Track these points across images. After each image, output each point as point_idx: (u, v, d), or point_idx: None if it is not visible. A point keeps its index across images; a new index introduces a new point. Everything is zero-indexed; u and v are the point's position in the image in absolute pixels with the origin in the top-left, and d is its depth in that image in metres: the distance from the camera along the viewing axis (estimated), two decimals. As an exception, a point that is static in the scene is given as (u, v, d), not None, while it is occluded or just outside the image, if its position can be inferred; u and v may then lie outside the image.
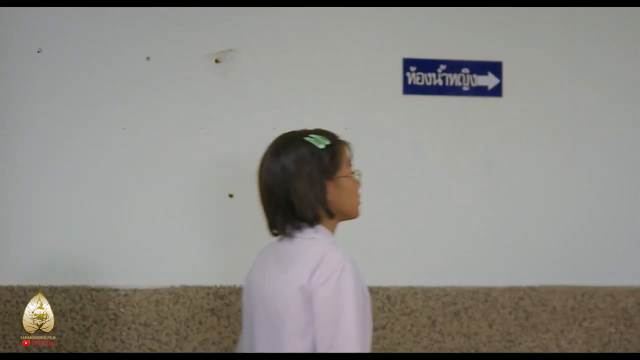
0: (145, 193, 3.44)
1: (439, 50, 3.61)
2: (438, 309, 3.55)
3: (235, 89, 3.49)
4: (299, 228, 2.47)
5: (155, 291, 3.40)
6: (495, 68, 3.62)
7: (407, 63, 3.58)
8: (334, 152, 2.46)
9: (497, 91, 3.63)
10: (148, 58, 3.45)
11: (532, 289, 3.62)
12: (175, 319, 3.41)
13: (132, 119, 3.44)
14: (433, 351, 3.54)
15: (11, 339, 3.34)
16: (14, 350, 3.31)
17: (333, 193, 2.45)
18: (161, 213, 3.43)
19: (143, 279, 3.40)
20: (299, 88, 3.53)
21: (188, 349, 3.40)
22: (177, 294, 3.41)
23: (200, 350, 3.40)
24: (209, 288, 3.43)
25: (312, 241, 2.44)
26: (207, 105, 3.49)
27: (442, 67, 3.60)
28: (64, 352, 3.31)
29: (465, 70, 3.61)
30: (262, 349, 2.45)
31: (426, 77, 3.59)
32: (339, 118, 3.44)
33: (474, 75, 3.61)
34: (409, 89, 3.58)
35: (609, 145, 3.73)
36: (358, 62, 3.56)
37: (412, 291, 3.53)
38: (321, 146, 2.45)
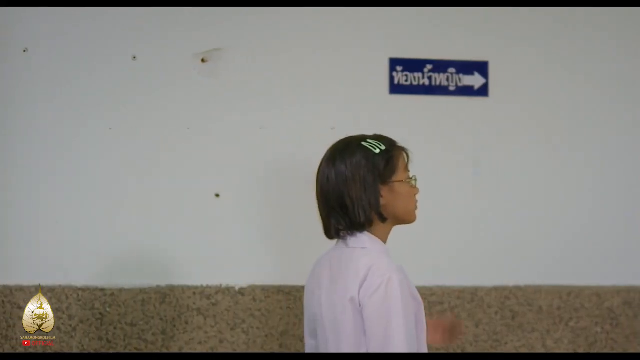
0: (131, 193, 3.43)
1: (425, 50, 3.62)
2: (424, 309, 3.55)
3: (222, 88, 3.49)
4: (352, 233, 2.49)
5: (142, 291, 3.40)
6: (481, 68, 3.63)
7: (394, 63, 3.59)
8: (389, 157, 2.49)
9: (483, 91, 3.63)
10: (134, 57, 3.44)
11: (518, 288, 3.63)
12: (161, 319, 3.40)
13: (117, 118, 3.43)
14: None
15: (-3, 339, 3.34)
16: None
17: (387, 197, 2.48)
18: (146, 212, 3.43)
19: (129, 278, 3.40)
20: (285, 88, 3.53)
21: (174, 348, 3.40)
22: (164, 294, 3.41)
23: (186, 350, 3.40)
24: (195, 288, 3.43)
25: (362, 251, 2.46)
26: (194, 105, 3.48)
27: (429, 67, 3.60)
28: (49, 352, 3.30)
29: (452, 70, 3.61)
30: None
31: (412, 77, 3.59)
32: (326, 118, 3.45)
33: (461, 75, 3.62)
34: (396, 88, 3.59)
35: (595, 144, 3.74)
36: (344, 61, 3.57)
37: (399, 291, 3.53)
38: (377, 151, 2.47)
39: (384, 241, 2.53)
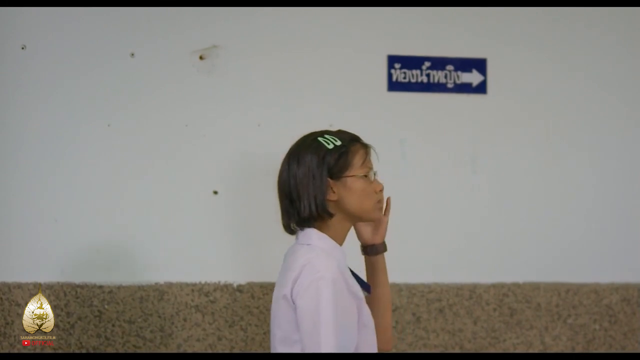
0: (128, 190, 3.43)
1: (423, 47, 3.62)
2: (423, 306, 3.56)
3: (220, 85, 3.49)
4: (302, 229, 2.49)
5: (140, 288, 3.40)
6: (479, 65, 3.63)
7: (392, 60, 3.59)
8: (343, 152, 2.45)
9: (481, 88, 3.64)
10: (132, 54, 3.44)
11: (516, 285, 3.63)
12: (159, 316, 3.40)
13: (116, 115, 3.43)
14: (418, 348, 3.54)
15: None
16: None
17: (340, 193, 2.45)
18: (144, 210, 3.43)
19: (127, 276, 3.40)
20: (284, 85, 3.53)
21: (172, 345, 3.40)
22: (162, 291, 3.41)
23: (185, 347, 3.40)
24: (194, 285, 3.43)
25: (306, 248, 2.45)
26: (192, 102, 3.48)
27: (427, 64, 3.61)
28: (49, 352, 3.30)
29: (450, 67, 3.61)
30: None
31: (411, 74, 3.60)
32: (324, 115, 3.44)
33: (459, 72, 3.62)
34: (394, 85, 3.59)
35: (594, 141, 3.74)
36: (343, 59, 3.57)
37: (397, 288, 3.53)
38: (330, 146, 2.45)
39: (341, 238, 2.51)
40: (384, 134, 3.57)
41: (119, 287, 3.39)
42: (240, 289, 3.44)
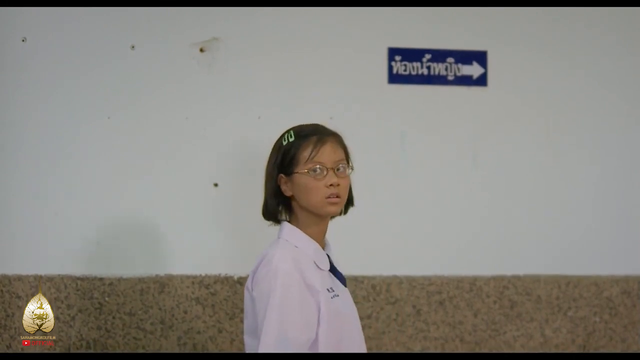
0: (129, 182, 3.43)
1: (424, 40, 3.62)
2: (423, 298, 3.56)
3: (220, 78, 3.49)
4: (279, 222, 2.54)
5: (140, 280, 3.40)
6: (480, 57, 3.63)
7: (392, 52, 3.58)
8: (290, 148, 2.46)
9: (482, 80, 3.63)
10: (133, 47, 3.44)
11: (517, 278, 3.63)
12: (160, 308, 3.41)
13: (116, 108, 3.43)
14: (418, 340, 3.55)
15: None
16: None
17: (292, 189, 2.47)
18: (145, 202, 3.43)
19: (128, 268, 3.40)
20: (284, 77, 3.53)
21: (173, 337, 3.40)
22: (162, 283, 3.41)
23: (184, 340, 3.40)
24: (194, 277, 3.43)
25: (274, 241, 2.50)
26: (193, 94, 3.48)
27: (427, 56, 3.60)
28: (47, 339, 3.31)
29: (450, 59, 3.61)
30: None
31: (411, 66, 3.59)
32: (324, 107, 3.45)
33: (459, 65, 3.62)
34: (394, 78, 3.58)
35: (594, 135, 3.74)
36: (343, 51, 3.56)
37: (397, 280, 3.54)
38: (284, 142, 2.48)
39: (315, 232, 2.50)
40: (384, 127, 3.58)
41: (120, 280, 3.39)
42: (240, 281, 3.44)
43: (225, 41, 3.49)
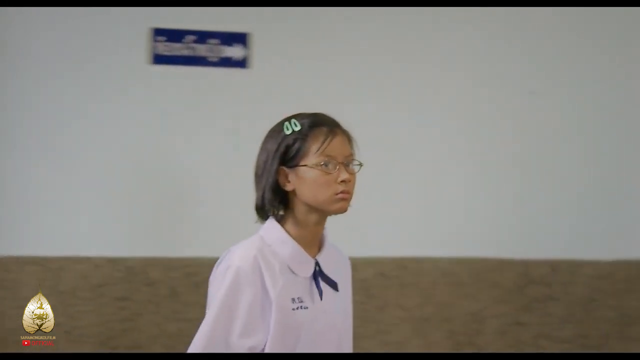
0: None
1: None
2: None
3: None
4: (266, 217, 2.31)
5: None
6: (242, 39, 3.68)
7: (157, 33, 3.66)
8: (298, 138, 2.23)
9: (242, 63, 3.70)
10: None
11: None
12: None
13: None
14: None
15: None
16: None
17: (294, 183, 2.24)
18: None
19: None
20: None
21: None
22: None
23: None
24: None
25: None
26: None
27: (191, 37, 3.67)
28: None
29: (215, 41, 3.68)
30: None
31: (174, 46, 3.66)
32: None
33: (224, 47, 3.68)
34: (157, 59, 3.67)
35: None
36: (104, 29, 3.65)
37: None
38: (288, 132, 2.23)
39: (311, 230, 2.28)
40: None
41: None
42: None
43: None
